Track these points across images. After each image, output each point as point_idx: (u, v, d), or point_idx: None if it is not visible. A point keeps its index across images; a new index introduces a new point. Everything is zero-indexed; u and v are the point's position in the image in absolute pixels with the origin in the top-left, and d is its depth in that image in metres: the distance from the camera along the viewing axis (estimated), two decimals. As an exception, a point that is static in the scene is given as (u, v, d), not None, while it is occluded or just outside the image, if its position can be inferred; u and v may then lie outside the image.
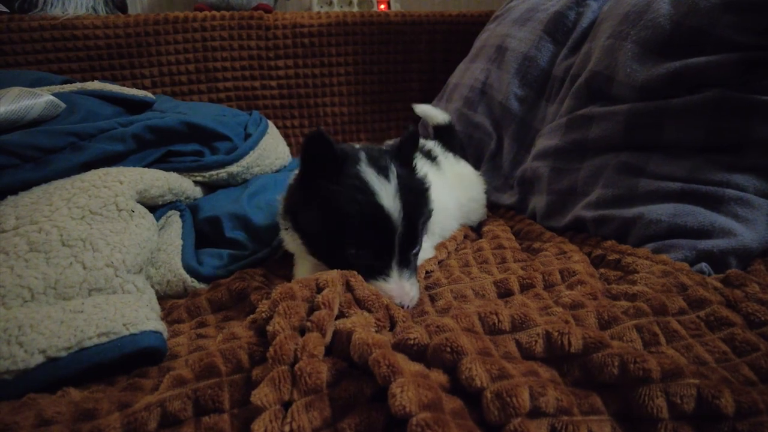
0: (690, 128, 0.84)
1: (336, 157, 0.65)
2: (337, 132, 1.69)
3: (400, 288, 0.63)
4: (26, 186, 0.77)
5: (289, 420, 0.39)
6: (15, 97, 0.84)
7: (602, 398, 0.43)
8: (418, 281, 0.71)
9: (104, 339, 0.55)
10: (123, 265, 0.67)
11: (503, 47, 1.35)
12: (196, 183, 1.01)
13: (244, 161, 1.07)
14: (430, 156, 1.02)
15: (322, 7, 1.94)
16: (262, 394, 0.40)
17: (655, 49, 0.91)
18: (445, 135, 1.21)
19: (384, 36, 1.68)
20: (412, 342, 0.47)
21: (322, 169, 0.65)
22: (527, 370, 0.44)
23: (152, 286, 0.75)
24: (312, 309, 0.52)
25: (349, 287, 0.58)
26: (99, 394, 0.50)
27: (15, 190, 0.76)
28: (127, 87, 1.18)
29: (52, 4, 1.46)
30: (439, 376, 0.43)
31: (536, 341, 0.47)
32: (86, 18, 1.42)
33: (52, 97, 0.89)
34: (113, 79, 1.43)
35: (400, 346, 0.48)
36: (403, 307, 0.62)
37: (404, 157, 0.71)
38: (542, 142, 1.11)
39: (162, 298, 0.77)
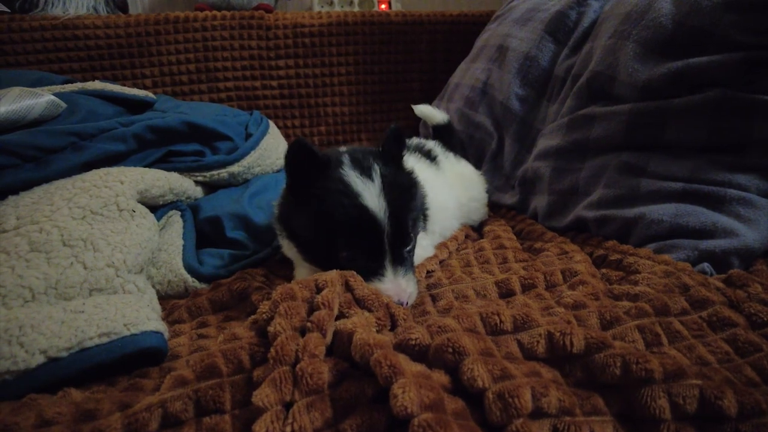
0: (692, 128, 0.84)
1: (319, 164, 0.65)
2: (338, 132, 1.69)
3: (397, 286, 0.63)
4: (27, 186, 0.77)
5: (290, 421, 0.39)
6: (16, 97, 0.84)
7: (604, 399, 0.43)
8: (418, 279, 0.71)
9: (105, 339, 0.55)
10: (124, 265, 0.67)
11: (504, 47, 1.34)
12: (197, 183, 1.01)
13: (245, 161, 1.07)
14: (430, 156, 1.02)
15: (322, 6, 1.94)
16: (263, 395, 0.40)
17: (657, 49, 0.91)
18: (444, 135, 1.22)
19: (385, 36, 1.68)
20: (413, 342, 0.47)
21: (306, 176, 0.65)
22: (529, 371, 0.44)
23: (153, 286, 0.75)
24: (312, 309, 0.52)
25: (348, 287, 0.58)
26: (100, 394, 0.50)
27: (16, 190, 0.76)
28: (128, 87, 1.19)
29: (52, 4, 1.46)
30: (440, 377, 0.43)
31: (538, 342, 0.47)
32: (87, 18, 1.42)
33: (53, 97, 0.89)
34: (114, 79, 1.43)
35: (402, 347, 0.47)
36: (402, 305, 0.61)
37: (389, 155, 0.71)
38: (543, 142, 1.11)
39: (163, 298, 0.77)
